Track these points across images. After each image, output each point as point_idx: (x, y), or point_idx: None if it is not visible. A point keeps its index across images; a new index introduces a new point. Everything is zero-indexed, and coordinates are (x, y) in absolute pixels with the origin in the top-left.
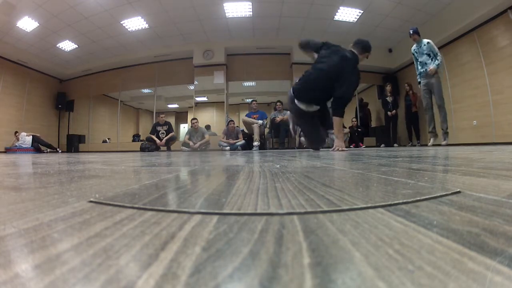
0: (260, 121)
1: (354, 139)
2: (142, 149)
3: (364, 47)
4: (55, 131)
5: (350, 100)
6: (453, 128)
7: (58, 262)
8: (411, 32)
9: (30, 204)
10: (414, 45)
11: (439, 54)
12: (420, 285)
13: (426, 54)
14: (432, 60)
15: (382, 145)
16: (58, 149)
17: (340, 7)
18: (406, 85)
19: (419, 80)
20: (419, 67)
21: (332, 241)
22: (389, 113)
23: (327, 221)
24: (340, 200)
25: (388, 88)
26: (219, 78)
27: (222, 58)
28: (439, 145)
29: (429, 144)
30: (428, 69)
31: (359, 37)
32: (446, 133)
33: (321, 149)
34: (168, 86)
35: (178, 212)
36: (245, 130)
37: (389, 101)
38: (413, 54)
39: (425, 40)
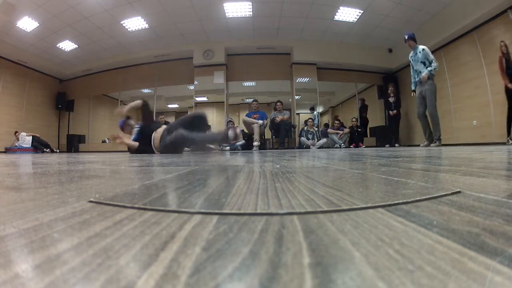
0: (260, 121)
1: (354, 139)
2: None
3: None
4: (55, 131)
5: None
6: (453, 128)
7: (58, 262)
8: (406, 38)
9: (30, 204)
10: (411, 52)
11: (434, 60)
12: (420, 285)
13: (421, 62)
14: (426, 68)
15: (387, 145)
16: (54, 150)
17: (340, 7)
18: (501, 43)
19: (413, 88)
20: (415, 76)
21: (332, 241)
22: (391, 112)
23: (327, 221)
24: (340, 200)
25: (391, 89)
26: (219, 78)
27: (222, 58)
28: (428, 146)
29: (421, 145)
30: (421, 77)
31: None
32: (438, 139)
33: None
34: (168, 86)
35: (178, 212)
36: (245, 130)
37: (391, 101)
38: (410, 61)
39: (421, 47)
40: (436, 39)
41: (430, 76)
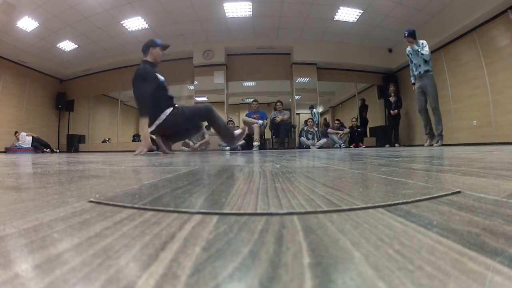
0: (260, 121)
1: (354, 139)
2: None
3: (143, 50)
4: (55, 131)
5: (142, 100)
6: (453, 128)
7: (58, 262)
8: (406, 34)
9: (30, 204)
10: (409, 47)
11: (428, 51)
12: (420, 285)
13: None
14: (426, 62)
15: (387, 145)
16: (55, 150)
17: (340, 7)
18: None
19: (413, 81)
20: (414, 69)
21: (332, 241)
22: (391, 112)
23: (327, 221)
24: (340, 200)
25: (392, 88)
26: (219, 78)
27: (222, 58)
28: (431, 145)
29: (426, 144)
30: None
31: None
32: (440, 136)
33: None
34: (168, 86)
35: (178, 212)
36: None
37: (392, 101)
38: (408, 56)
39: (420, 41)
40: (436, 39)
41: (429, 69)
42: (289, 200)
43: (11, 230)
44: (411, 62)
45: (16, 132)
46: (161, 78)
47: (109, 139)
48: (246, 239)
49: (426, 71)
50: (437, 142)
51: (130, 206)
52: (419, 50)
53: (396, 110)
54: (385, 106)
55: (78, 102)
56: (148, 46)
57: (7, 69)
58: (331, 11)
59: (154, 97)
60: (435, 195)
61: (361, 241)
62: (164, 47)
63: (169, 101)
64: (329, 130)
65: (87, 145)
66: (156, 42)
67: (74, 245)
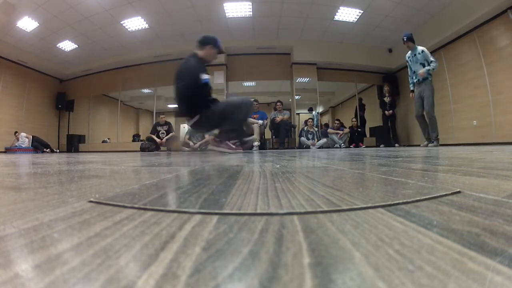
0: (260, 121)
1: (354, 139)
2: (142, 149)
3: (201, 41)
4: (55, 131)
5: (180, 100)
6: (453, 128)
7: (58, 262)
8: (405, 39)
9: (30, 204)
10: (409, 52)
11: (434, 61)
12: (420, 285)
13: (420, 63)
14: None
15: (382, 145)
16: (55, 150)
17: (340, 7)
18: None
19: (411, 88)
20: (413, 77)
21: (332, 241)
22: (386, 112)
23: (327, 221)
24: (340, 200)
25: (386, 88)
26: (219, 78)
27: (222, 58)
28: (426, 146)
29: (422, 145)
30: (418, 73)
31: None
32: (436, 139)
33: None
34: (168, 86)
35: (178, 212)
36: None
37: (387, 101)
38: (408, 62)
39: (420, 48)
40: (436, 39)
41: (428, 76)
42: (289, 200)
43: (11, 230)
44: (410, 69)
45: (16, 132)
46: (204, 77)
47: (109, 139)
48: (246, 239)
49: (425, 78)
50: (432, 142)
51: (130, 206)
52: (428, 68)
53: (391, 111)
54: (380, 106)
55: (78, 102)
56: (208, 43)
57: (7, 69)
58: (331, 11)
59: (194, 97)
60: (435, 195)
61: (361, 241)
62: (220, 52)
63: (208, 100)
64: (329, 130)
65: (87, 145)
66: (218, 44)
67: (74, 245)
